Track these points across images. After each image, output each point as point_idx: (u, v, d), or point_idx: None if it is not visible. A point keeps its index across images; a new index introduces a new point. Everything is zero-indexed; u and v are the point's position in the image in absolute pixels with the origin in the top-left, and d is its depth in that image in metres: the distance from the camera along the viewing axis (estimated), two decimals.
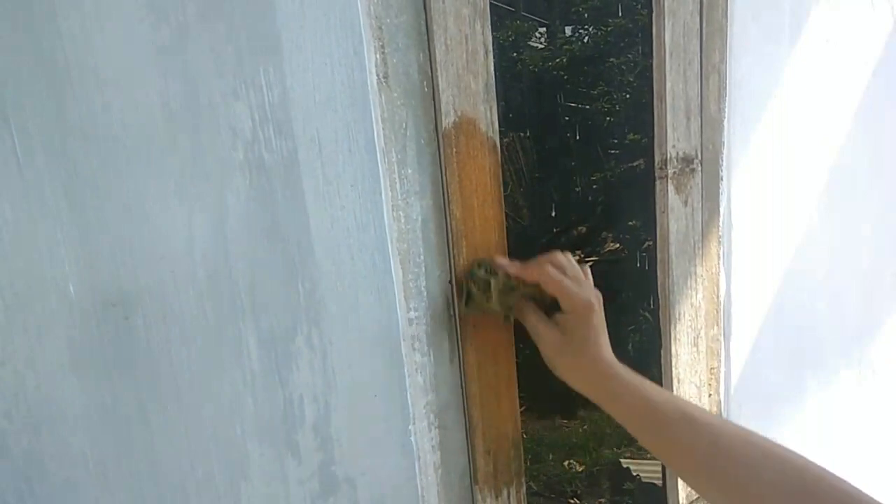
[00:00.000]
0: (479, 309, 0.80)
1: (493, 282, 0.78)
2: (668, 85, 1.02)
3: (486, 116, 0.82)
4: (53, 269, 0.58)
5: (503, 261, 0.81)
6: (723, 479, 0.69)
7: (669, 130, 1.04)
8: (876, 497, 0.59)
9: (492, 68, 0.82)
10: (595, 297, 0.77)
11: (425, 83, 0.77)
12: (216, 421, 0.67)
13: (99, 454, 0.63)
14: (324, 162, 0.70)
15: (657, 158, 1.05)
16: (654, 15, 1.01)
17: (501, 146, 0.85)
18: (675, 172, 1.06)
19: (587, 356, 0.76)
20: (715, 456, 0.69)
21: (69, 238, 0.58)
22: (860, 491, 0.61)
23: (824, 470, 0.64)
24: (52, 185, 0.57)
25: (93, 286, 0.60)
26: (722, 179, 1.11)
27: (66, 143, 0.57)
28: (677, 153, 1.05)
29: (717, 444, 0.69)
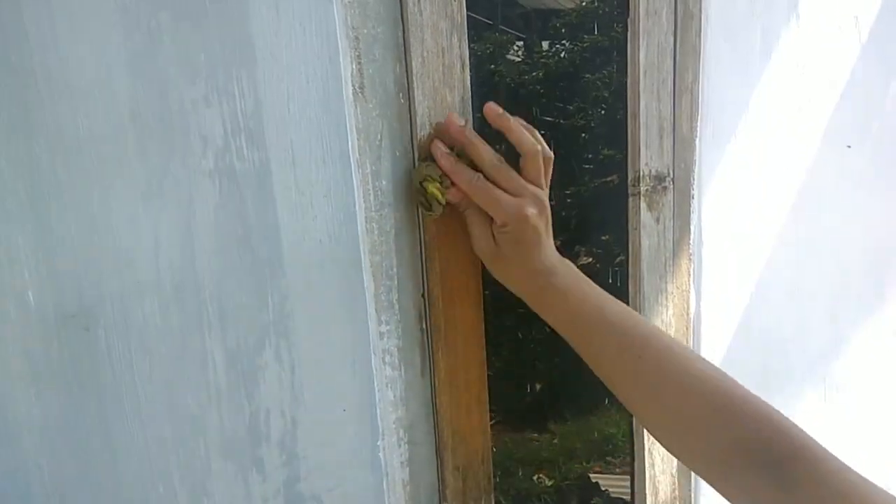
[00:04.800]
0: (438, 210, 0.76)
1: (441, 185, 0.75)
2: (642, 103, 1.03)
3: None
4: (12, 277, 0.56)
5: (440, 153, 0.75)
6: (644, 388, 0.72)
7: (643, 148, 1.05)
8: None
9: (468, 82, 0.82)
10: (532, 204, 0.73)
11: (401, 95, 0.76)
12: (179, 436, 0.65)
13: (56, 470, 0.60)
14: (297, 172, 0.69)
15: (630, 176, 1.06)
16: (629, 34, 1.02)
17: None
18: (647, 190, 1.07)
19: (521, 267, 0.76)
20: (638, 366, 0.72)
21: (29, 244, 0.57)
22: (781, 415, 0.66)
23: (747, 391, 0.68)
24: (14, 189, 0.55)
25: (53, 295, 0.58)
26: (693, 198, 1.13)
27: (29, 147, 0.55)
28: (650, 171, 1.06)
29: (643, 357, 0.72)
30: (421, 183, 0.76)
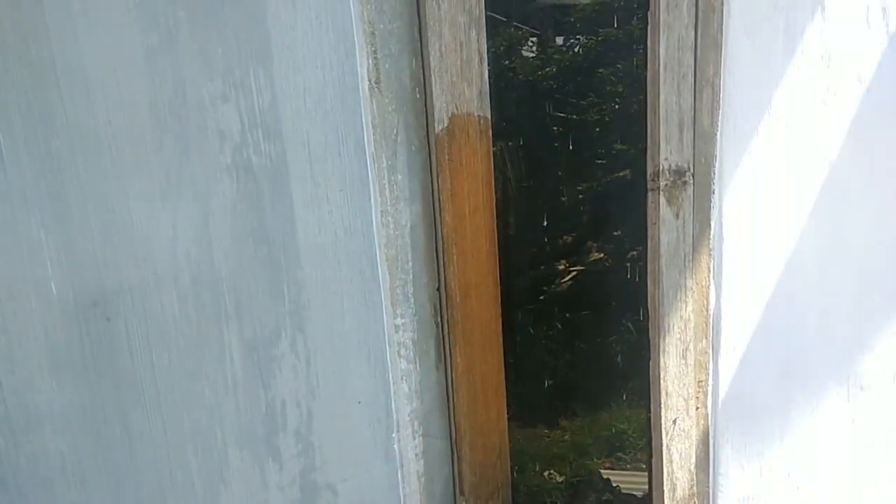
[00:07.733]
0: None
1: None
2: (662, 97, 1.02)
3: (480, 124, 0.82)
4: (35, 269, 0.58)
5: None
6: None
7: (662, 143, 1.04)
8: None
9: (486, 76, 0.82)
10: None
11: (417, 89, 0.76)
12: (196, 425, 0.66)
13: (77, 456, 0.62)
14: (313, 166, 0.69)
15: (649, 170, 1.05)
16: (649, 27, 1.01)
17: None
18: (667, 185, 1.06)
19: None
20: None
21: (52, 238, 0.58)
22: None
23: None
24: (36, 184, 0.57)
25: (74, 287, 0.59)
26: (714, 192, 1.11)
27: (50, 143, 0.57)
28: (670, 165, 1.05)
29: None
30: None
